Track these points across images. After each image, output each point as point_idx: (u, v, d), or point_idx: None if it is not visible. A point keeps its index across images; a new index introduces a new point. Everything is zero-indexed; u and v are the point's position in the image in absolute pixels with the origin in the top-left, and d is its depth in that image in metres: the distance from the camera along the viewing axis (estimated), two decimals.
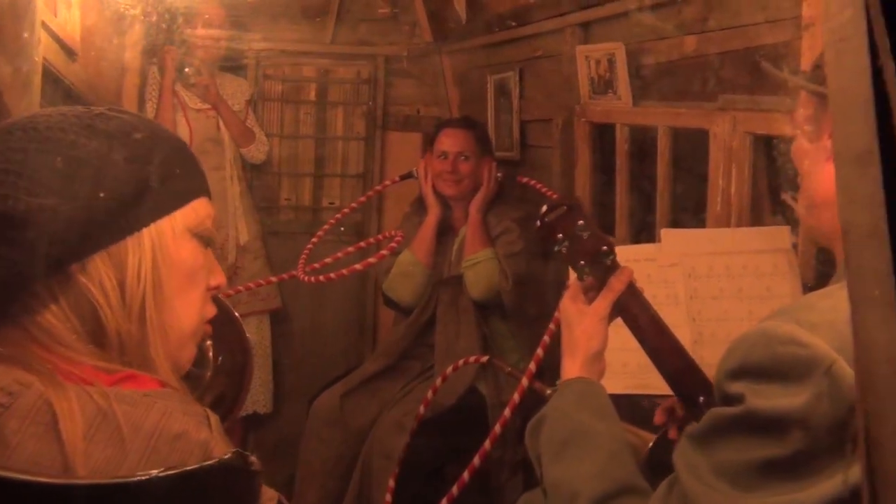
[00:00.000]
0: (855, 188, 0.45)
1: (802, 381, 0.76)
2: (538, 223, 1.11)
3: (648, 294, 1.73)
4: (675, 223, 2.15)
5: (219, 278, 0.92)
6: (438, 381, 2.12)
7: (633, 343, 1.65)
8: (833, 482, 0.74)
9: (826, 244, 1.02)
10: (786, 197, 0.98)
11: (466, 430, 2.31)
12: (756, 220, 1.90)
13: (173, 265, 0.83)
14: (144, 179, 0.82)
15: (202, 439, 0.72)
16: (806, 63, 1.64)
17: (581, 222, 1.10)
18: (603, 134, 2.49)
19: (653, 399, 1.69)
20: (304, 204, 3.46)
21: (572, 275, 1.17)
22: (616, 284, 1.10)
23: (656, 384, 1.69)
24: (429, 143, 2.63)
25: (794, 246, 1.72)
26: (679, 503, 0.83)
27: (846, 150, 0.46)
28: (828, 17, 0.48)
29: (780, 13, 1.75)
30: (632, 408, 1.72)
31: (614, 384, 1.66)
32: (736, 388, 0.82)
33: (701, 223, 2.03)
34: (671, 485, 0.87)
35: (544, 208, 1.11)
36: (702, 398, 1.09)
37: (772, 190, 1.90)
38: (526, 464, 2.30)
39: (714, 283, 1.73)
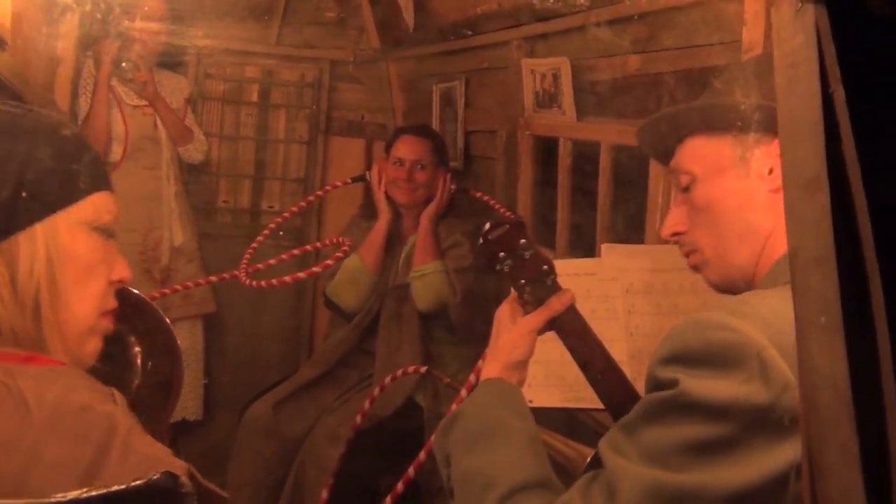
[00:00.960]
0: (803, 213, 0.45)
1: (734, 365, 0.78)
2: (481, 240, 1.11)
3: (587, 308, 1.75)
4: (615, 239, 2.18)
5: (121, 271, 0.92)
6: (376, 390, 2.09)
7: (571, 358, 1.66)
8: (763, 464, 0.76)
9: (737, 281, 1.02)
10: None
11: (403, 442, 2.29)
12: None
13: (68, 260, 0.84)
14: (34, 176, 0.82)
15: (107, 411, 0.73)
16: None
17: (523, 241, 1.10)
18: (547, 147, 2.51)
19: (590, 413, 1.70)
20: (242, 207, 3.39)
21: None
22: (555, 304, 1.11)
23: (591, 397, 1.70)
24: (386, 148, 2.61)
25: None
26: (604, 489, 0.83)
27: (795, 175, 0.46)
28: (779, 43, 0.49)
29: (724, 36, 1.79)
30: (569, 421, 1.73)
31: (551, 397, 1.67)
32: (668, 373, 0.83)
33: (640, 240, 2.06)
34: (595, 476, 0.87)
35: (487, 226, 1.11)
36: None
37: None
38: None
39: (652, 299, 1.75)
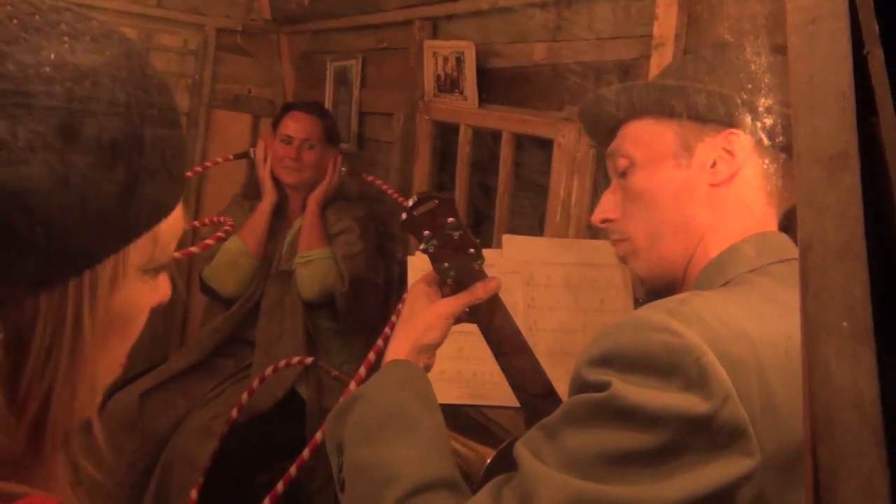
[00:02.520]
0: (823, 196, 0.38)
1: (672, 372, 0.71)
2: (404, 216, 1.00)
3: None
4: (514, 230, 2.12)
5: (164, 292, 0.64)
6: (256, 382, 1.94)
7: (469, 352, 1.59)
8: (698, 479, 0.69)
9: (667, 276, 0.97)
10: None
11: (282, 437, 2.15)
12: (593, 233, 1.91)
13: (102, 324, 0.55)
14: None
15: None
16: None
17: (451, 220, 1.00)
18: (446, 133, 2.43)
19: (486, 411, 1.64)
20: None
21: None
22: (479, 292, 1.02)
23: (491, 395, 1.64)
24: (273, 124, 2.44)
25: None
26: (517, 495, 0.74)
27: (812, 151, 0.39)
28: None
29: (631, 30, 1.76)
30: (467, 420, 1.66)
31: (448, 393, 1.59)
32: (600, 375, 0.75)
33: (539, 232, 2.01)
34: (507, 479, 0.78)
35: (413, 200, 1.00)
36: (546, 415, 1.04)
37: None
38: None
39: (552, 294, 1.70)
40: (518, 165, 2.12)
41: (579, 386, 0.78)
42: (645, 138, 0.96)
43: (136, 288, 0.58)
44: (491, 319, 1.04)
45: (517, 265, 1.70)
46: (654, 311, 0.77)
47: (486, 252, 1.82)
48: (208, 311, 2.49)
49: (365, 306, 2.37)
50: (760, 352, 0.73)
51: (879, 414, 0.35)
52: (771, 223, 0.92)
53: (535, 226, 2.03)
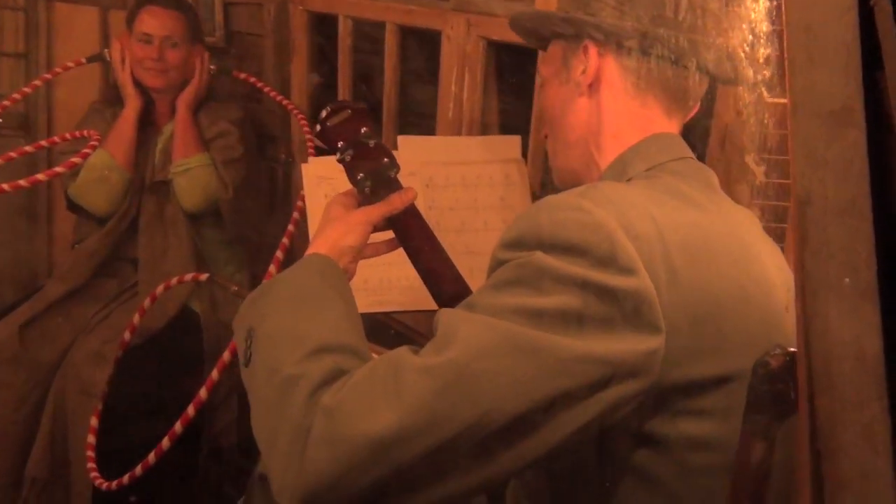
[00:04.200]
0: (824, 152, 0.38)
1: (585, 247, 0.75)
2: (318, 127, 1.00)
3: None
4: (403, 128, 2.07)
5: None
6: (147, 301, 1.85)
7: (375, 259, 1.57)
8: (606, 342, 0.73)
9: (574, 184, 0.99)
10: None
11: (179, 355, 2.09)
12: (486, 128, 1.89)
13: None
14: None
15: None
16: None
17: (365, 129, 1.00)
18: (325, 24, 2.29)
19: (394, 317, 1.64)
20: None
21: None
22: (396, 201, 1.02)
23: (398, 300, 1.64)
24: (127, 21, 2.20)
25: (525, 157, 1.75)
26: (436, 341, 0.74)
27: (811, 105, 0.38)
28: None
29: None
30: (377, 330, 1.66)
31: (358, 303, 1.57)
32: (512, 254, 0.79)
33: (430, 130, 1.97)
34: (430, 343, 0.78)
35: (326, 111, 0.99)
36: None
37: (501, 98, 1.90)
38: (239, 386, 2.15)
39: (451, 194, 1.70)
40: (406, 59, 2.04)
41: (496, 265, 0.81)
42: (548, 58, 1.03)
43: None
44: (408, 229, 1.05)
45: (415, 167, 1.67)
46: (566, 194, 0.82)
47: None
48: (79, 230, 2.32)
49: (251, 212, 2.28)
50: (664, 231, 0.78)
51: (882, 367, 0.36)
52: (663, 125, 0.96)
53: (426, 123, 1.99)
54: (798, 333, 0.40)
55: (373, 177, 1.02)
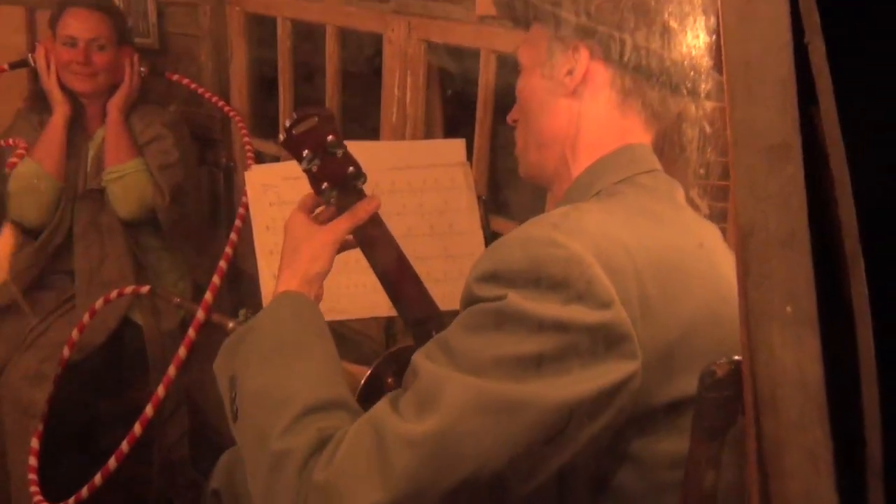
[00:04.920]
0: (764, 185, 0.38)
1: (560, 283, 0.75)
2: (283, 136, 0.96)
3: None
4: (347, 133, 2.05)
5: None
6: (86, 316, 1.80)
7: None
8: (584, 379, 0.74)
9: (541, 182, 1.02)
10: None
11: (122, 369, 2.03)
12: (429, 132, 1.89)
13: None
14: None
15: None
16: None
17: (331, 138, 0.97)
18: (263, 26, 2.26)
19: (349, 324, 1.63)
20: None
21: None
22: (361, 213, 1.01)
23: (352, 308, 1.63)
24: (51, 24, 2.12)
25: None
26: (418, 400, 0.77)
27: (751, 138, 0.39)
28: None
29: None
30: (336, 341, 1.64)
31: None
32: (493, 290, 0.78)
33: (374, 134, 1.96)
34: (404, 389, 0.81)
35: (291, 118, 0.95)
36: (434, 331, 1.06)
37: (444, 101, 1.90)
38: (189, 398, 2.11)
39: (398, 199, 1.69)
40: (346, 61, 2.02)
41: (471, 300, 0.81)
42: (530, 44, 0.98)
43: None
44: (372, 239, 1.03)
45: None
46: (540, 226, 0.80)
47: None
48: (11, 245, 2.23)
49: (190, 219, 2.23)
50: (636, 259, 0.78)
51: (823, 393, 0.37)
52: (639, 136, 0.95)
53: (370, 127, 1.98)
54: (743, 360, 0.41)
55: (338, 187, 1.00)
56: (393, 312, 1.61)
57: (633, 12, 0.88)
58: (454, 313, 0.84)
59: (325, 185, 0.99)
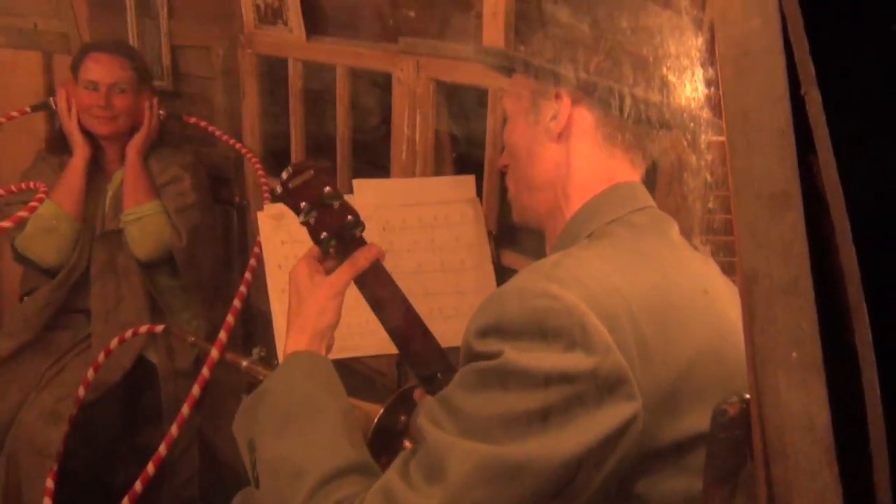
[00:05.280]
0: (766, 233, 0.39)
1: (556, 334, 0.76)
2: (280, 189, 0.98)
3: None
4: (358, 171, 2.08)
5: None
6: (101, 356, 1.81)
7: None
8: (591, 430, 0.75)
9: (536, 225, 1.03)
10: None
11: (136, 408, 2.04)
12: (439, 169, 1.91)
13: None
14: None
15: None
16: (489, 15, 1.64)
17: (328, 189, 0.98)
18: (275, 68, 2.30)
19: (361, 360, 1.63)
20: None
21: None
22: (361, 261, 1.03)
23: (364, 345, 1.64)
24: (73, 68, 2.17)
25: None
26: (425, 467, 0.78)
27: (752, 186, 0.40)
28: (724, 22, 0.41)
29: None
30: (348, 378, 1.64)
31: None
32: (490, 345, 0.79)
33: (384, 171, 1.98)
34: (413, 452, 0.83)
35: (287, 172, 0.98)
36: (440, 375, 1.06)
37: (453, 138, 1.92)
38: (201, 436, 2.12)
39: (408, 236, 1.70)
40: (357, 101, 2.05)
41: (471, 356, 0.82)
42: (514, 93, 1.00)
43: None
44: (373, 285, 1.04)
45: (371, 210, 1.67)
46: (534, 278, 0.81)
47: None
48: (26, 281, 2.26)
49: (205, 259, 2.25)
50: (631, 303, 0.79)
51: (831, 437, 0.38)
52: (627, 174, 0.97)
53: (380, 164, 2.00)
54: (752, 404, 0.42)
55: (337, 237, 1.01)
56: None
57: (609, 58, 0.91)
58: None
59: (323, 235, 1.00)
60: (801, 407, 0.38)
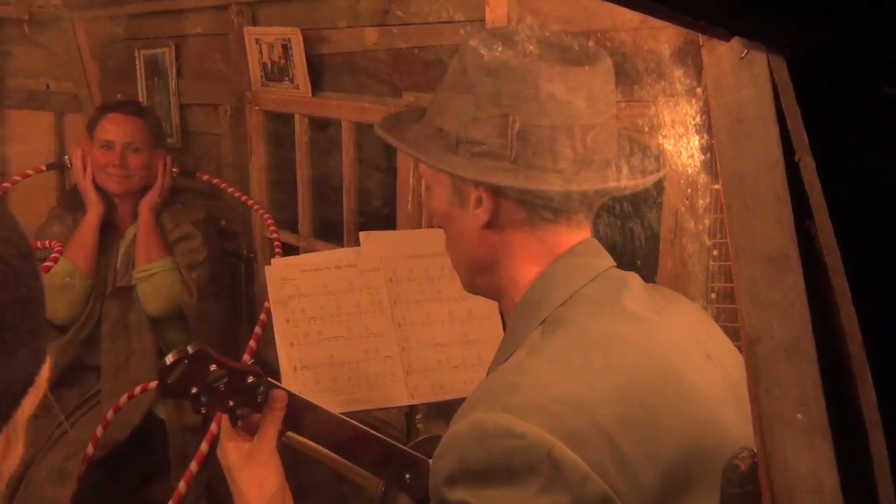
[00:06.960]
0: (766, 295, 0.40)
1: (525, 475, 0.72)
2: (161, 390, 0.92)
3: (352, 302, 1.66)
4: (364, 222, 2.10)
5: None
6: (110, 412, 1.81)
7: (340, 357, 1.56)
8: None
9: (488, 297, 0.96)
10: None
11: (145, 465, 2.03)
12: None
13: None
14: None
15: None
16: None
17: (213, 368, 0.92)
18: (281, 124, 2.34)
19: (370, 412, 1.62)
20: None
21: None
22: (276, 411, 0.97)
23: (370, 398, 1.63)
24: (89, 128, 2.21)
25: None
26: None
27: (751, 250, 0.40)
28: (717, 91, 0.42)
29: (462, 13, 1.77)
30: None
31: (326, 402, 1.55)
32: (458, 495, 0.75)
33: (390, 222, 2.00)
34: None
35: (163, 364, 0.91)
36: (408, 476, 1.05)
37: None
38: (209, 492, 2.10)
39: (415, 287, 1.71)
40: (362, 154, 2.09)
41: (439, 501, 0.78)
42: (436, 180, 0.92)
43: None
44: (297, 422, 1.01)
45: (378, 262, 1.69)
46: (491, 413, 0.75)
47: (345, 252, 1.79)
48: None
49: (216, 314, 2.26)
50: (598, 418, 0.74)
51: (840, 499, 0.38)
52: (574, 237, 0.89)
53: (385, 215, 2.02)
54: (760, 466, 0.42)
55: (242, 403, 0.96)
56: (412, 401, 1.63)
57: (519, 160, 0.84)
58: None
59: (230, 403, 0.95)
60: (809, 469, 0.39)
